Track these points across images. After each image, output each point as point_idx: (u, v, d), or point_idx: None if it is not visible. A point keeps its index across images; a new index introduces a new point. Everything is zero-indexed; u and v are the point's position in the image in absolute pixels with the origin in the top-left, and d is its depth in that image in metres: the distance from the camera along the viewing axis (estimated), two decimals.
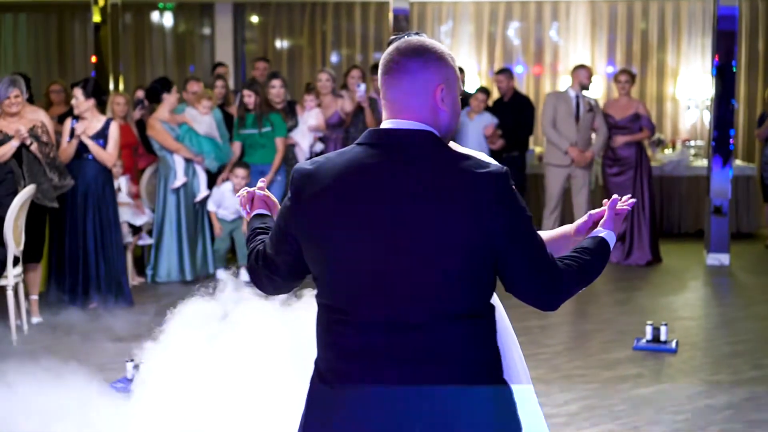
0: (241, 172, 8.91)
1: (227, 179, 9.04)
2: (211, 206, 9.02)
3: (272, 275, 2.55)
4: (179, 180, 8.87)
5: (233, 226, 9.04)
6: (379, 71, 2.44)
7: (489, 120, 10.15)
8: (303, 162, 2.45)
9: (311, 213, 2.38)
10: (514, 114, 10.29)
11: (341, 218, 2.34)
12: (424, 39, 2.44)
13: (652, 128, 9.98)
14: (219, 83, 10.12)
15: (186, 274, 8.94)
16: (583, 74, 9.94)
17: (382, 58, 2.45)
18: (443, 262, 2.29)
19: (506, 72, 10.73)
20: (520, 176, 10.39)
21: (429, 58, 2.39)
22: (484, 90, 10.53)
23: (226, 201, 8.97)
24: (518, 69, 13.16)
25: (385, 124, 2.41)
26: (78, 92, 7.79)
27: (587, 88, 9.94)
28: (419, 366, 2.31)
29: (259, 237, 2.66)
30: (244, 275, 8.98)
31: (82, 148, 7.79)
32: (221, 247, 9.11)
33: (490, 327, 2.42)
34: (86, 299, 7.82)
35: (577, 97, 9.91)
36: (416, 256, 2.29)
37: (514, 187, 2.36)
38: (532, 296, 2.41)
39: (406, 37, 3.10)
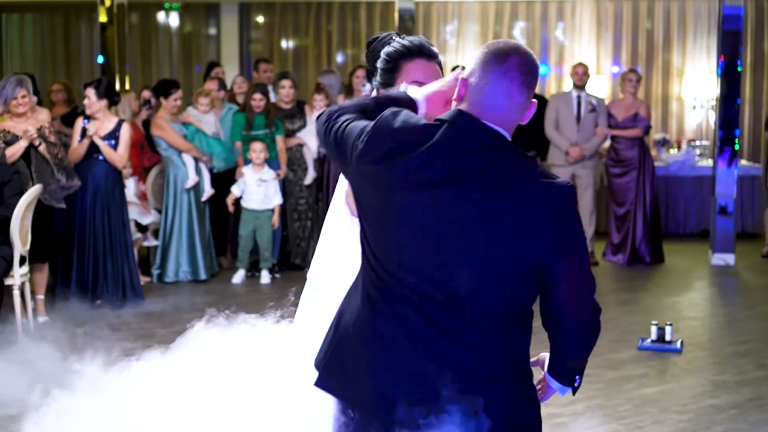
0: (258, 146, 8.88)
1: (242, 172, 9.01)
2: (235, 189, 8.95)
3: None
4: (191, 180, 8.86)
5: (257, 222, 8.94)
6: (495, 67, 2.40)
7: None
8: (395, 115, 2.43)
9: (379, 169, 2.40)
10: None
11: (406, 192, 2.36)
12: (532, 53, 2.46)
13: (645, 127, 9.93)
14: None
15: (200, 273, 8.94)
16: (574, 73, 9.98)
17: (494, 56, 2.41)
18: (489, 262, 2.32)
19: None
20: None
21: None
22: None
23: (249, 189, 8.92)
24: None
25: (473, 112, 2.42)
26: (91, 92, 7.82)
27: (582, 88, 9.93)
28: (451, 357, 2.36)
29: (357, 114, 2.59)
30: (265, 277, 8.98)
31: (92, 148, 7.82)
32: (244, 246, 9.04)
33: (523, 330, 2.44)
34: (94, 299, 7.85)
35: (579, 97, 9.91)
36: (464, 251, 2.32)
37: (577, 206, 2.38)
38: (568, 319, 2.42)
39: (395, 37, 3.04)
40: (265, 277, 8.98)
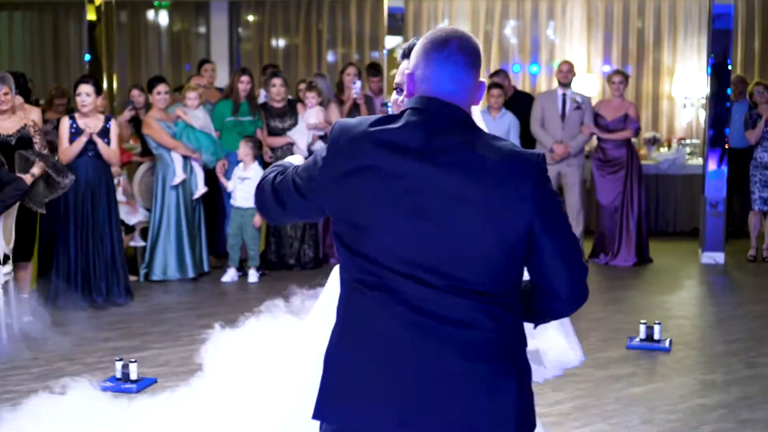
0: (244, 148, 8.85)
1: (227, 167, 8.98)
2: (229, 184, 8.92)
3: (282, 207, 2.57)
4: (178, 177, 8.80)
5: (242, 220, 8.89)
6: (437, 54, 2.40)
7: (512, 121, 9.92)
8: (346, 120, 2.45)
9: (353, 165, 2.36)
10: (517, 112, 10.19)
11: (382, 187, 2.32)
12: (470, 35, 2.46)
13: (635, 129, 9.88)
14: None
15: (188, 272, 8.88)
16: (559, 71, 9.97)
17: (433, 44, 2.41)
18: (476, 237, 2.29)
19: (502, 73, 10.69)
20: None
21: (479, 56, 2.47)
22: (498, 85, 10.01)
23: (237, 186, 8.87)
24: (515, 68, 13.14)
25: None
26: (90, 89, 7.79)
27: (567, 85, 9.91)
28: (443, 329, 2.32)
29: (282, 165, 2.67)
30: (253, 276, 8.91)
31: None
32: (232, 244, 9.00)
33: (515, 314, 2.41)
34: (86, 297, 7.78)
35: (564, 95, 9.90)
36: (451, 228, 2.29)
37: (548, 174, 2.39)
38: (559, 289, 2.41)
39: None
40: (252, 276, 8.92)
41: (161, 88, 8.83)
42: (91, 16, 11.33)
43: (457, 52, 2.38)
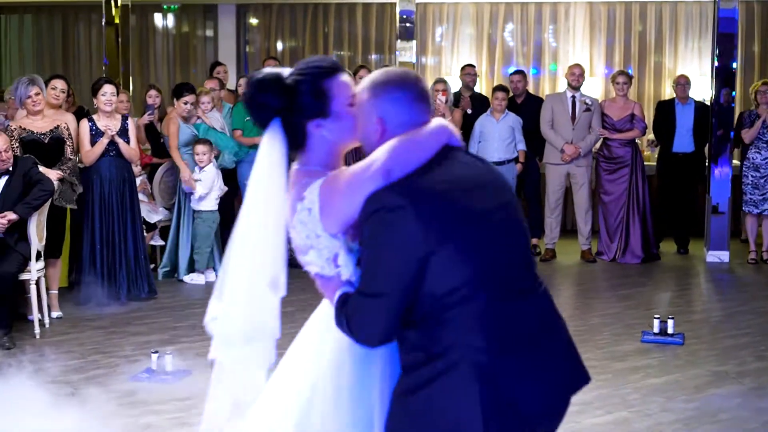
0: (201, 148, 8.87)
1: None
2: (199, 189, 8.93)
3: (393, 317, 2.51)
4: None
5: (200, 222, 8.98)
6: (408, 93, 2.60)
7: (514, 120, 10.19)
8: (392, 192, 2.45)
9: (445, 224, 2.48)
10: (527, 115, 10.37)
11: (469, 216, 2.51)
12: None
13: (643, 128, 10.14)
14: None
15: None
16: (570, 74, 10.17)
17: (409, 84, 2.62)
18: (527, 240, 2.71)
19: (521, 73, 10.86)
20: (536, 176, 10.57)
21: None
22: (503, 88, 10.36)
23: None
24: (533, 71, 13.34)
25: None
26: (114, 89, 7.96)
27: (578, 89, 10.13)
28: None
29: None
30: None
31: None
32: (203, 244, 9.06)
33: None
34: (112, 293, 7.95)
35: (573, 97, 10.11)
36: (522, 236, 2.64)
37: None
38: None
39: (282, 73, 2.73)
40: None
41: (189, 98, 8.96)
42: (107, 18, 11.51)
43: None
